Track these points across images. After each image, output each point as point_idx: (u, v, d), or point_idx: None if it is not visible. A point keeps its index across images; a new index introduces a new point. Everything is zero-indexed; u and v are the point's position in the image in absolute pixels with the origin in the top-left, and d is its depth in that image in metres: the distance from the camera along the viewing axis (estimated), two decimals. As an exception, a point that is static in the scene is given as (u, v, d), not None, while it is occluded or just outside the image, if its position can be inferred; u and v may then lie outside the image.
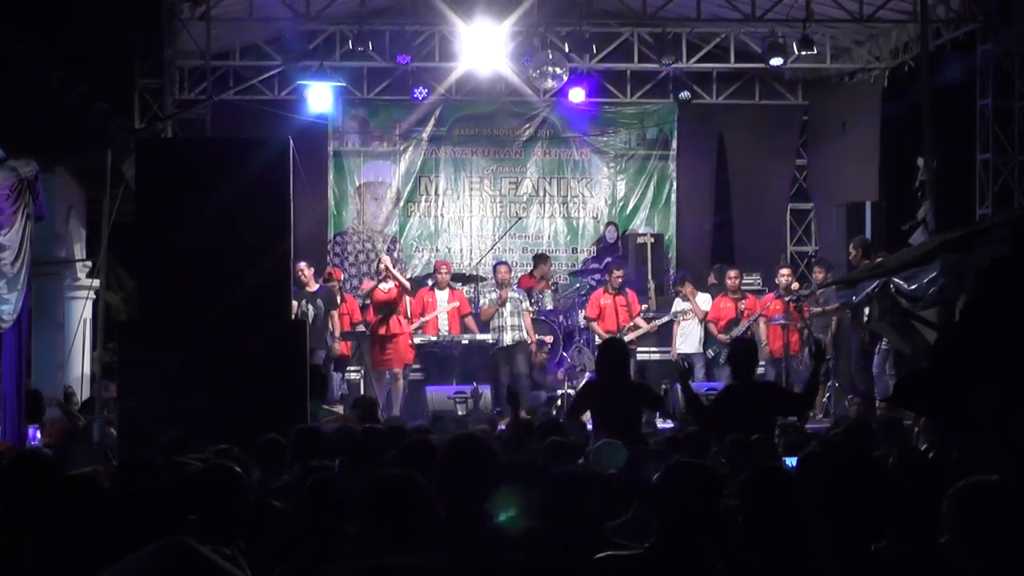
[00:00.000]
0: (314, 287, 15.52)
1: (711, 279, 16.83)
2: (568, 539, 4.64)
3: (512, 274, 16.60)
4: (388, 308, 15.47)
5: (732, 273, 16.23)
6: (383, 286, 15.60)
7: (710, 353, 15.90)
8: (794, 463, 6.29)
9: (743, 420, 7.99)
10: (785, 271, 16.11)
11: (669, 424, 13.64)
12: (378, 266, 15.99)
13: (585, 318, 16.18)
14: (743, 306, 15.98)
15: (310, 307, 15.17)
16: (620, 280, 15.97)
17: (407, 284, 15.89)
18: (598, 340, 15.88)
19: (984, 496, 4.02)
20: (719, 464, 6.74)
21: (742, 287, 16.33)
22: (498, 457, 5.21)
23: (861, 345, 14.81)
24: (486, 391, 14.43)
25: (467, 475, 4.84)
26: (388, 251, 18.37)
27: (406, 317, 15.67)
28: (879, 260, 13.80)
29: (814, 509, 4.29)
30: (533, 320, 16.12)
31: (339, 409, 13.55)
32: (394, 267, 15.98)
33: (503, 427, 9.98)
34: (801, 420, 9.65)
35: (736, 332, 15.54)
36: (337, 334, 15.46)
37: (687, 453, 6.68)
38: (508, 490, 4.94)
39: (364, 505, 4.44)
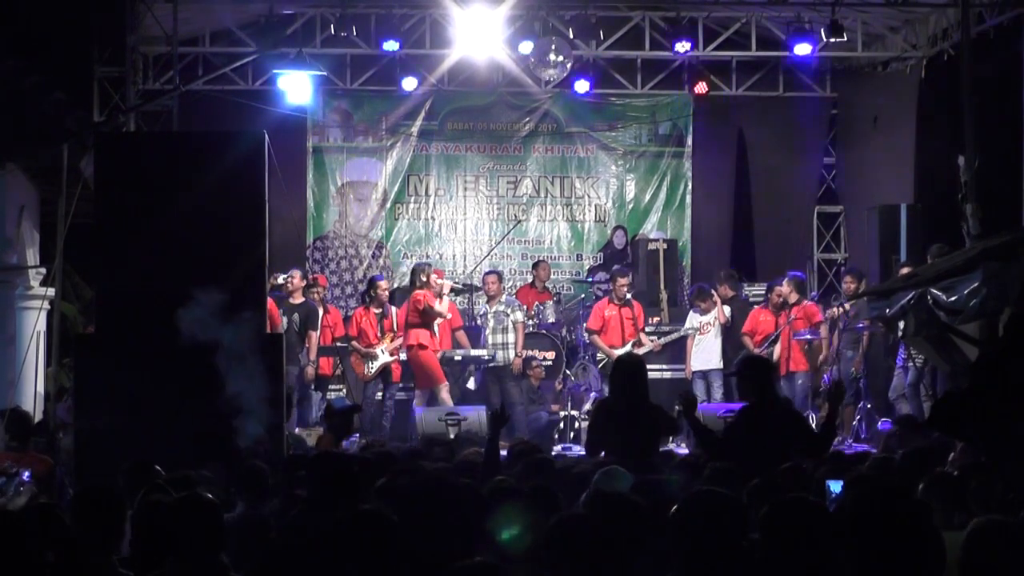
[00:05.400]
0: (299, 300, 15.56)
1: (725, 289, 16.71)
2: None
3: (502, 285, 16.37)
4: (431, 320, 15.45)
5: (779, 290, 16.12)
6: (440, 305, 15.45)
7: None
8: (839, 488, 6.30)
9: (756, 451, 7.93)
10: (783, 287, 16.04)
11: (685, 449, 13.65)
12: (426, 278, 15.47)
13: (587, 330, 16.19)
14: (782, 322, 15.99)
15: (284, 319, 15.20)
16: (625, 289, 15.97)
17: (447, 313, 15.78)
18: (599, 356, 15.97)
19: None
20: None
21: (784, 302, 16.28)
22: (482, 511, 5.26)
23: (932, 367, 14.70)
24: (480, 412, 14.43)
25: (448, 536, 4.92)
26: (373, 256, 18.46)
27: (391, 330, 15.69)
28: (909, 269, 13.82)
29: (853, 542, 4.28)
30: (533, 334, 16.09)
31: (318, 432, 13.56)
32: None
33: (504, 453, 9.98)
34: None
35: (768, 349, 15.65)
36: (312, 356, 15.40)
37: (706, 480, 6.70)
38: (512, 508, 4.97)
39: (334, 544, 4.47)
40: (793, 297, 15.89)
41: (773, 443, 8.30)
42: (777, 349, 15.69)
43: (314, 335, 15.50)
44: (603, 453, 9.11)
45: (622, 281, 15.99)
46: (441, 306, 15.49)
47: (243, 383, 9.40)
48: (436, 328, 15.52)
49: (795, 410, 10.78)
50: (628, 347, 15.66)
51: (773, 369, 9.74)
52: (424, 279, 15.49)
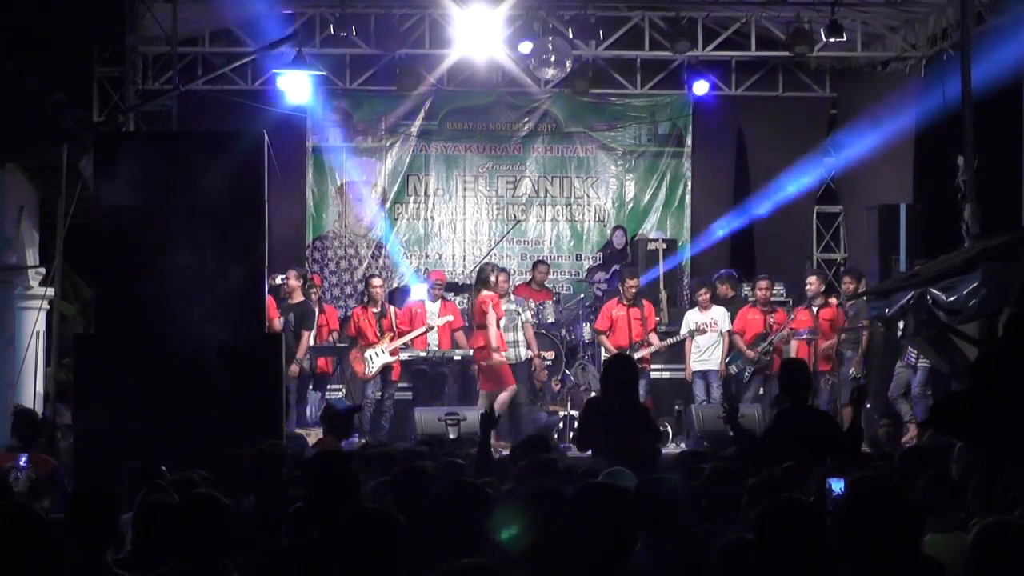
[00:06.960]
0: (297, 299, 15.53)
1: (725, 289, 16.77)
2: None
3: (509, 283, 16.42)
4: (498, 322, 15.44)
5: (763, 284, 16.23)
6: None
7: (733, 369, 15.90)
8: (840, 487, 6.30)
9: (795, 456, 7.90)
10: (812, 279, 16.12)
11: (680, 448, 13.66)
12: (495, 279, 15.39)
13: (594, 330, 16.17)
14: (772, 320, 16.00)
15: (281, 319, 15.18)
16: (634, 290, 15.92)
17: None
18: (604, 356, 15.96)
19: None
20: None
21: (771, 299, 16.34)
22: (491, 504, 5.27)
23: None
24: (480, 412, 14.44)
25: (460, 526, 4.94)
26: (372, 256, 18.50)
27: (390, 330, 15.70)
28: (916, 269, 13.82)
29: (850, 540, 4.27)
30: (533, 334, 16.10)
31: (316, 433, 13.56)
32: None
33: (505, 452, 10.01)
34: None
35: (762, 348, 15.64)
36: (300, 355, 15.21)
37: (707, 479, 6.71)
38: (510, 507, 4.97)
39: (337, 543, 4.48)
40: (819, 299, 15.82)
41: (811, 447, 8.28)
42: (794, 346, 15.67)
43: (307, 335, 15.43)
44: (589, 451, 9.23)
45: (631, 283, 15.92)
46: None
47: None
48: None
49: (827, 413, 10.81)
50: (636, 347, 15.63)
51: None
52: (494, 280, 15.43)
